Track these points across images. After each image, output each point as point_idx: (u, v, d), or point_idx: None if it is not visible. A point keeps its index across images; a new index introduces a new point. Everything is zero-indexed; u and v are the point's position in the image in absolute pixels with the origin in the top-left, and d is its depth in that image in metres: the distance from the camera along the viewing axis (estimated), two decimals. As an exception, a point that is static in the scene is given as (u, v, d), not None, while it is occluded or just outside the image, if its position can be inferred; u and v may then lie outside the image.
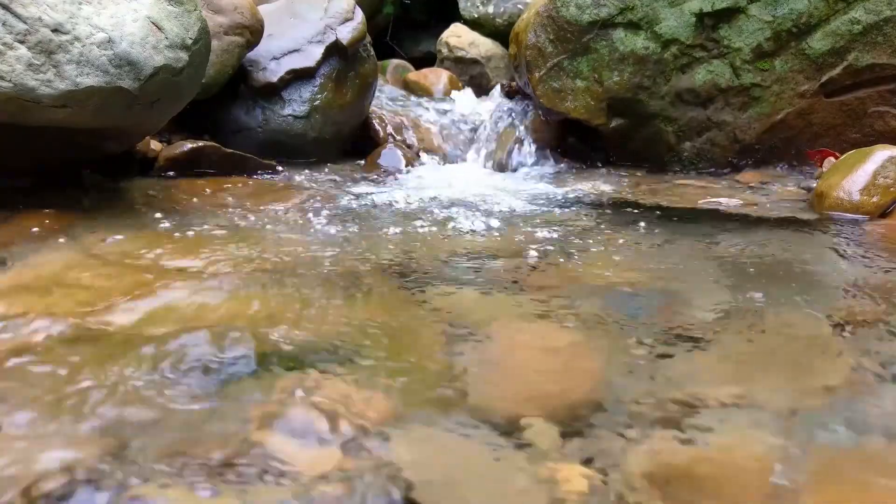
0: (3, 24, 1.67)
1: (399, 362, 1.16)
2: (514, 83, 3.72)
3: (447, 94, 4.03)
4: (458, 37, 4.40)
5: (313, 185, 2.57)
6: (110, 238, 1.74)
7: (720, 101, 2.95)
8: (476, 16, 4.52)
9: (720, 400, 1.05)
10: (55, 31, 1.72)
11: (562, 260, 1.74)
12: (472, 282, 1.55)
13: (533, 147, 3.27)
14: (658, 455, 0.92)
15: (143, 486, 0.80)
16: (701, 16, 2.88)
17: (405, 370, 1.13)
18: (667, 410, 1.02)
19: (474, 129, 3.43)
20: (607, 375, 1.13)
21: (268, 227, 1.95)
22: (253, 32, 2.90)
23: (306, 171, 2.79)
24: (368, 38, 3.33)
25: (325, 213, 2.13)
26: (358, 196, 2.41)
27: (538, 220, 2.14)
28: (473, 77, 4.32)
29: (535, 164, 3.22)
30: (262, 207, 2.16)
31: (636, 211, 2.32)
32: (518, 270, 1.65)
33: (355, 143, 3.23)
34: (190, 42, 1.99)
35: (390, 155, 3.05)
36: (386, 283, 1.51)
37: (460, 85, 4.21)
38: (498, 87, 3.84)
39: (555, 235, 1.95)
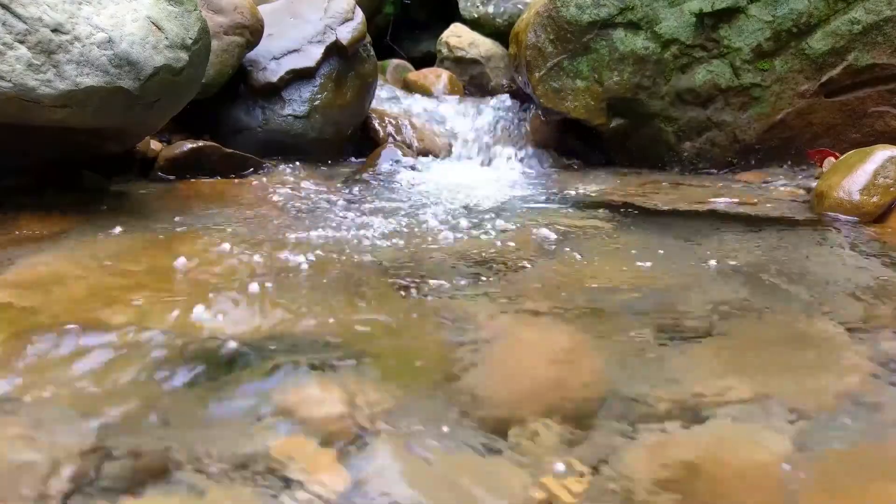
0: (3, 24, 1.67)
1: (397, 362, 1.16)
2: (514, 83, 3.72)
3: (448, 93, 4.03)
4: (458, 37, 4.40)
5: (313, 185, 2.57)
6: (110, 239, 1.74)
7: (720, 101, 2.95)
8: (476, 16, 4.51)
9: (721, 401, 1.05)
10: (55, 31, 1.72)
11: (561, 260, 1.74)
12: (472, 281, 1.55)
13: (533, 147, 3.27)
14: (659, 454, 0.92)
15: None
16: (701, 16, 2.88)
17: (404, 371, 1.13)
18: (667, 411, 1.02)
19: (474, 129, 3.43)
20: (607, 376, 1.13)
21: (267, 227, 1.94)
22: (253, 32, 2.89)
23: (306, 171, 2.79)
24: (368, 38, 3.33)
25: (324, 213, 2.13)
26: (357, 196, 2.41)
27: (537, 220, 2.14)
28: (473, 77, 4.32)
29: (535, 164, 3.22)
30: (261, 208, 2.16)
31: (636, 211, 2.32)
32: (517, 270, 1.65)
33: (355, 143, 3.23)
34: (190, 42, 1.99)
35: (390, 155, 3.05)
36: (385, 283, 1.51)
37: (461, 85, 4.20)
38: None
39: (554, 235, 1.95)
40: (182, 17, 1.99)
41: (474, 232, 1.98)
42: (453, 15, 4.65)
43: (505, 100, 3.63)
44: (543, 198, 2.51)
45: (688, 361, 1.18)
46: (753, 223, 2.15)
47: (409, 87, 4.17)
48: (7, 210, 1.85)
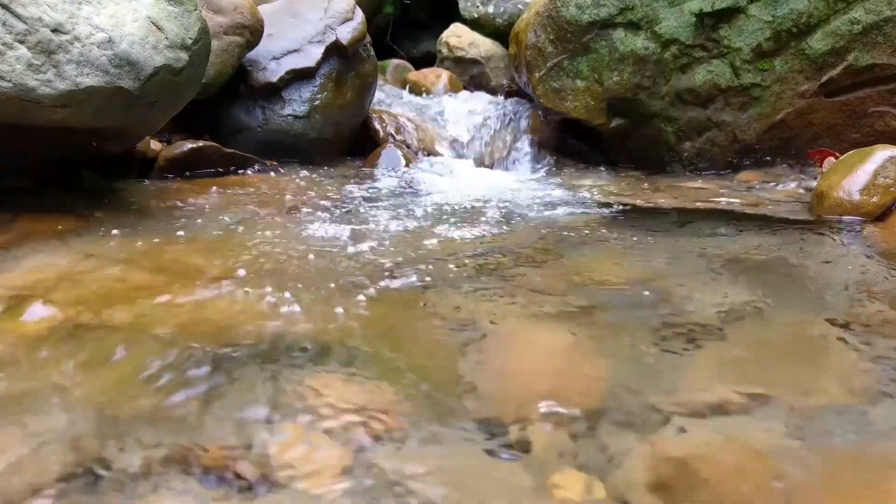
0: (3, 24, 1.67)
1: (399, 364, 1.16)
2: (513, 83, 3.72)
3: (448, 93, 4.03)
4: (458, 37, 4.40)
5: (313, 185, 2.57)
6: (110, 239, 1.74)
7: (720, 101, 2.95)
8: (476, 16, 4.51)
9: (721, 403, 1.05)
10: (55, 31, 1.72)
11: (561, 259, 1.74)
12: (472, 282, 1.55)
13: (533, 147, 3.27)
14: (659, 457, 0.92)
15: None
16: (701, 16, 2.88)
17: (405, 373, 1.13)
18: (667, 413, 1.02)
19: (474, 130, 3.43)
20: (608, 377, 1.13)
21: (267, 228, 1.94)
22: (253, 32, 2.90)
23: (306, 171, 2.79)
24: (368, 38, 3.33)
25: (324, 213, 2.13)
26: (357, 196, 2.41)
27: (538, 221, 2.14)
28: (473, 77, 4.31)
29: (535, 164, 3.22)
30: (261, 208, 2.16)
31: (636, 211, 2.32)
32: (517, 271, 1.65)
33: (355, 143, 3.23)
34: (190, 42, 1.99)
35: (390, 155, 3.05)
36: (385, 285, 1.51)
37: (461, 85, 4.20)
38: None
39: (554, 236, 1.95)
40: (182, 17, 1.98)
41: (474, 231, 1.98)
42: (453, 15, 4.65)
43: (503, 100, 3.63)
44: (542, 197, 2.51)
45: (689, 362, 1.18)
46: (753, 223, 2.15)
47: (410, 87, 4.17)
48: (7, 210, 1.85)
